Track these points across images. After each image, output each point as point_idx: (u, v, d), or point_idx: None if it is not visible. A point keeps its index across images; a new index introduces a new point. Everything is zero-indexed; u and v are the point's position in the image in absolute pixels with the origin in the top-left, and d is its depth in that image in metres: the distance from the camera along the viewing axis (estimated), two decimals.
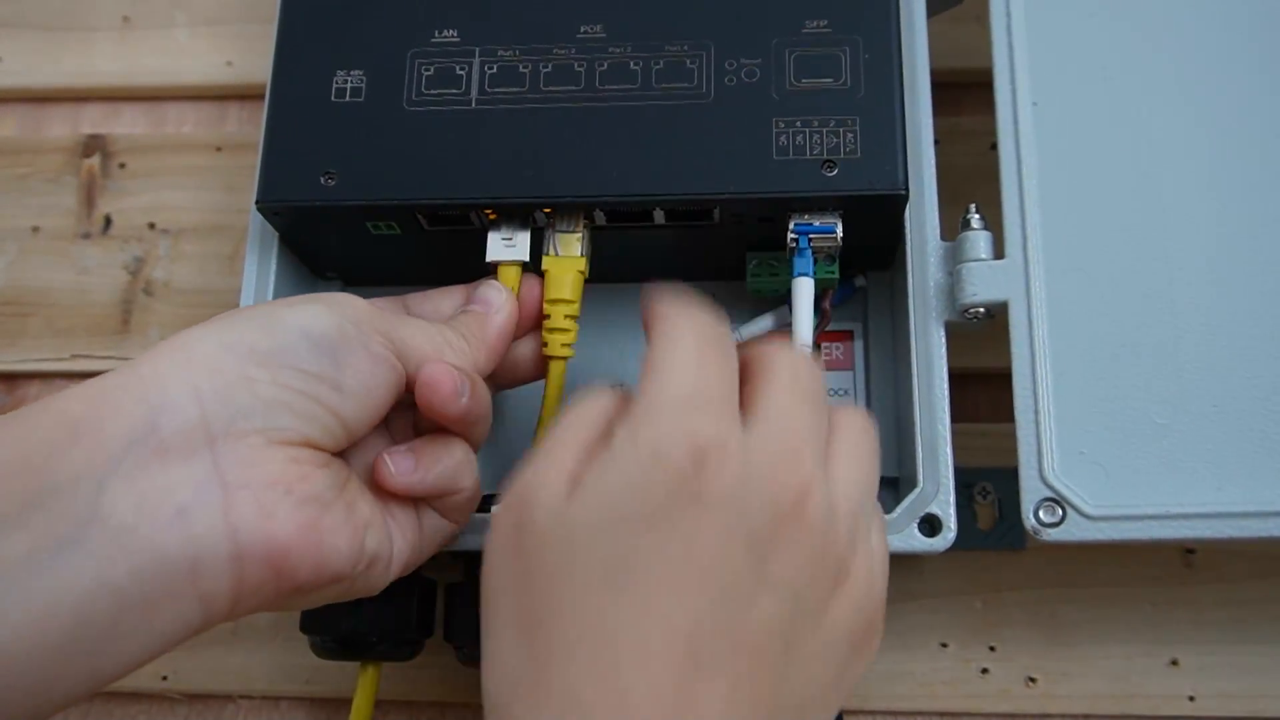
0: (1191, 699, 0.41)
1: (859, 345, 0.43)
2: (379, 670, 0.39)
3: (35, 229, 0.49)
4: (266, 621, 0.44)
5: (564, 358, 0.38)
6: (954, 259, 0.38)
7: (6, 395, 0.49)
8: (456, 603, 0.38)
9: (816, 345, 0.41)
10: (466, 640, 0.38)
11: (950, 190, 0.40)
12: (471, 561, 0.39)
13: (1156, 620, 0.42)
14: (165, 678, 0.44)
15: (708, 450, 0.25)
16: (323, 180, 0.37)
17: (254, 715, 0.44)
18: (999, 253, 0.37)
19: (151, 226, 0.49)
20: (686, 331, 0.28)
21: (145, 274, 0.48)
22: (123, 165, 0.50)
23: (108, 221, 0.49)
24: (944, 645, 0.42)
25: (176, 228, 0.49)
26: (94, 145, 0.50)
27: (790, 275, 0.38)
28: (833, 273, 0.39)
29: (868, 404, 0.42)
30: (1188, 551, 0.42)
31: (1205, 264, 0.37)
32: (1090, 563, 0.42)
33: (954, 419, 0.39)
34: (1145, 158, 0.38)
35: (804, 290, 0.37)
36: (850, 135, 0.36)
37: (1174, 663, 0.41)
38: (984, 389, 0.44)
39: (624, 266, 0.42)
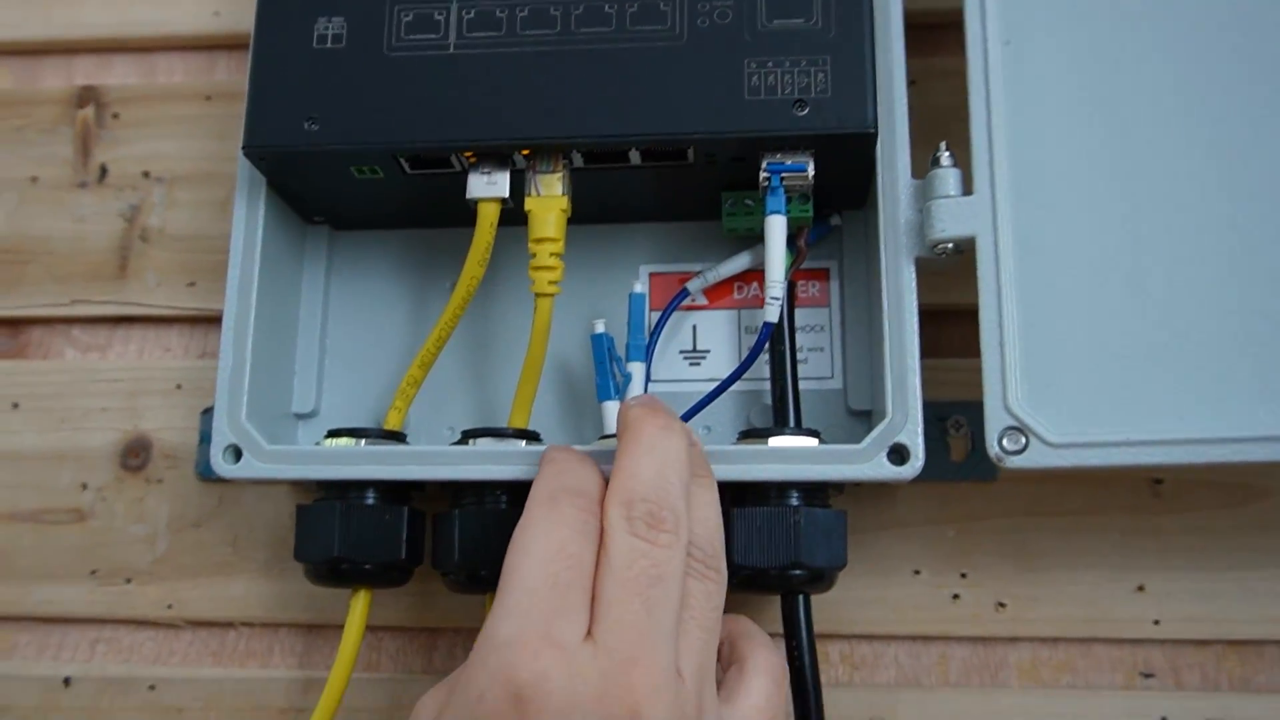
0: (1156, 622, 0.42)
1: (834, 283, 0.44)
2: (370, 596, 0.40)
3: (34, 179, 0.50)
4: (264, 553, 0.46)
5: (550, 295, 0.39)
6: (924, 196, 0.38)
7: (11, 340, 0.50)
8: (443, 532, 0.40)
9: (792, 283, 0.42)
10: (453, 568, 0.39)
11: (929, 130, 0.41)
12: (459, 491, 0.40)
13: (1124, 547, 0.43)
14: (170, 606, 0.46)
15: (525, 690, 0.27)
16: (306, 125, 0.38)
17: (254, 641, 0.46)
18: (968, 189, 0.38)
19: (146, 175, 0.50)
20: (535, 541, 0.30)
21: (141, 221, 0.49)
22: (116, 115, 0.51)
23: (103, 171, 0.50)
24: (916, 572, 0.43)
25: (170, 175, 0.50)
26: (87, 96, 0.51)
27: (765, 214, 0.39)
28: (807, 211, 0.40)
29: (842, 340, 0.43)
30: (1156, 482, 0.43)
31: (1171, 196, 0.37)
32: (1060, 493, 0.43)
33: (930, 354, 0.41)
34: (1115, 95, 0.38)
35: (777, 228, 0.38)
36: (821, 75, 0.37)
37: (1140, 588, 0.42)
38: (959, 325, 0.44)
39: (605, 207, 0.43)
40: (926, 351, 0.41)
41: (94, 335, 0.50)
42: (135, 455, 0.48)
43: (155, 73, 0.52)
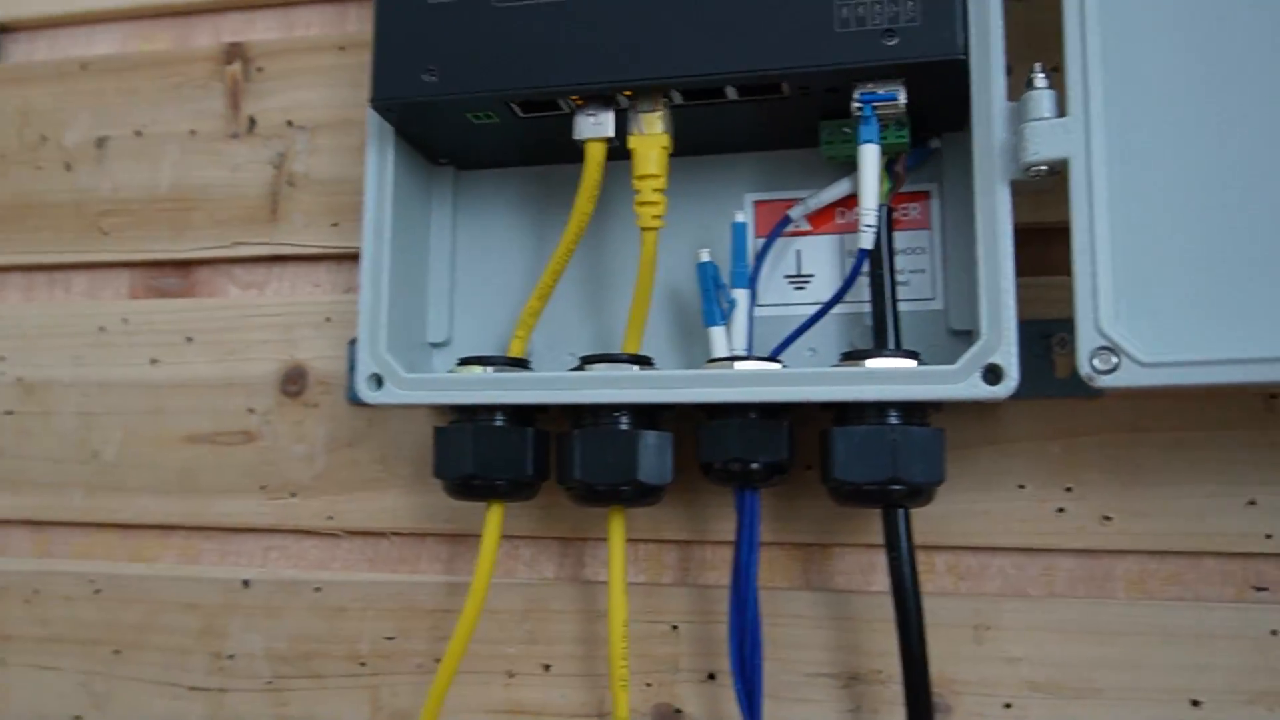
0: (1269, 536, 0.42)
1: (936, 205, 0.45)
2: (503, 509, 0.44)
3: (192, 132, 0.55)
4: (410, 469, 0.50)
5: (654, 228, 0.42)
6: (1018, 119, 0.39)
7: (182, 280, 0.56)
8: (564, 450, 0.43)
9: (890, 207, 0.43)
10: (574, 483, 0.43)
11: (1027, 50, 0.41)
12: (578, 413, 0.43)
13: (1234, 463, 0.43)
14: (330, 517, 0.51)
15: None
16: (425, 78, 0.41)
17: (404, 549, 0.51)
18: (1062, 111, 0.38)
19: (290, 124, 0.54)
20: None
21: (287, 168, 0.54)
22: (260, 69, 0.55)
23: (252, 122, 0.55)
24: (1021, 487, 0.44)
25: (311, 124, 0.54)
26: (234, 53, 0.55)
27: (858, 143, 0.40)
28: (903, 137, 0.41)
29: (943, 262, 0.44)
30: (1270, 397, 0.43)
31: (1266, 113, 0.37)
32: (1167, 409, 0.44)
33: (1037, 272, 0.42)
34: (1210, 11, 0.38)
35: (870, 157, 0.40)
36: (910, 3, 0.38)
37: (1252, 503, 0.43)
38: (1066, 243, 0.45)
39: (708, 139, 0.45)
40: (1034, 269, 0.42)
41: (252, 274, 0.55)
42: (294, 382, 0.53)
43: (294, 27, 0.56)
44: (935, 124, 0.43)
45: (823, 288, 0.45)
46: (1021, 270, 0.40)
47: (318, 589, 0.51)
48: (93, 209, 0.56)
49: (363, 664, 0.50)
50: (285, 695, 0.51)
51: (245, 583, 0.52)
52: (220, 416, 0.53)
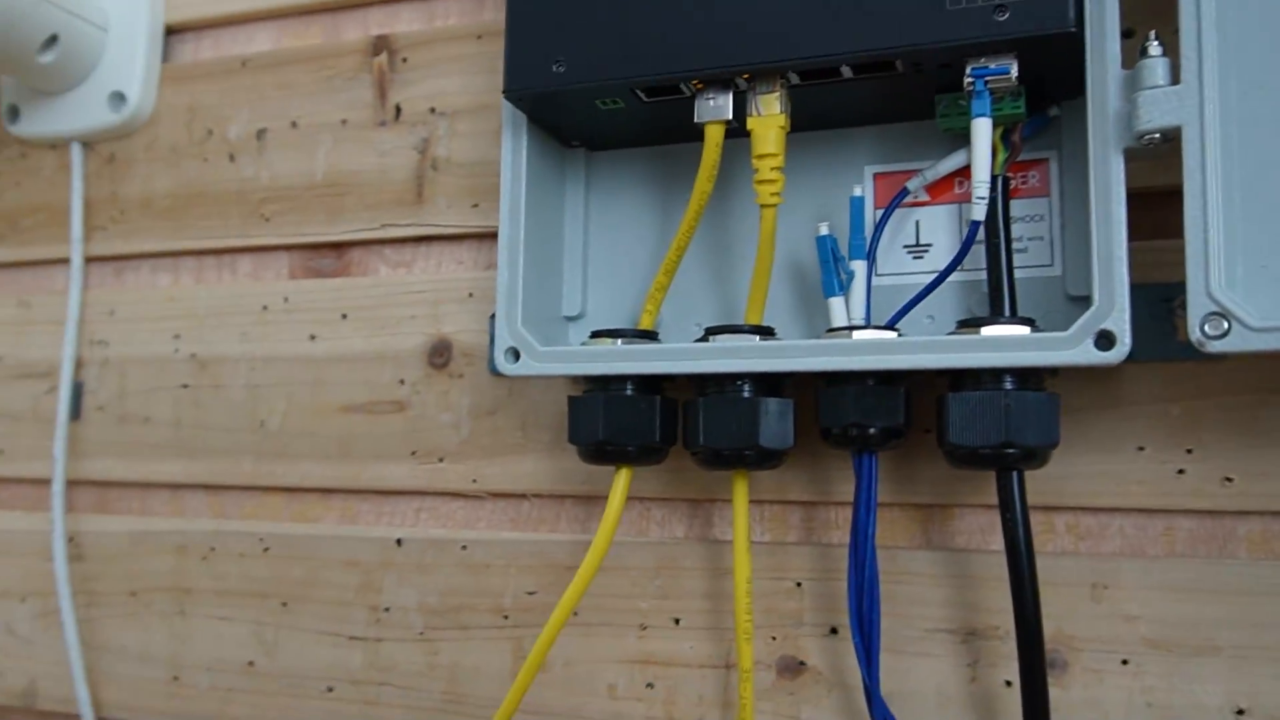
0: None
1: (1054, 171, 0.46)
2: (631, 473, 0.47)
3: (343, 122, 0.60)
4: (548, 435, 0.54)
5: (773, 205, 0.44)
6: (1132, 87, 0.40)
7: (337, 260, 0.60)
8: (690, 417, 0.46)
9: (1007, 177, 0.44)
10: (699, 448, 0.45)
11: (1149, 19, 0.42)
12: (703, 382, 0.46)
13: None
14: (475, 480, 0.55)
15: None
16: (554, 68, 0.44)
17: (543, 510, 0.55)
18: (1176, 79, 0.39)
19: (432, 110, 0.58)
20: None
21: (431, 153, 0.58)
22: (405, 60, 0.59)
23: (398, 110, 0.59)
24: (1140, 449, 0.45)
25: (451, 110, 0.57)
26: (380, 45, 0.59)
27: (970, 117, 0.41)
28: (1019, 108, 0.43)
29: (1061, 228, 0.45)
30: None
31: None
32: None
33: (1158, 235, 0.42)
34: None
35: (982, 131, 0.41)
36: None
37: None
38: None
39: (825, 115, 0.47)
40: (1155, 233, 0.43)
41: (400, 254, 0.59)
42: (440, 355, 0.57)
43: (434, 18, 0.59)
44: (1053, 92, 0.44)
45: (941, 256, 0.47)
46: (1143, 234, 0.40)
47: (464, 547, 0.55)
48: (255, 196, 0.61)
49: (505, 617, 0.54)
50: (436, 645, 0.55)
51: (398, 541, 0.57)
52: (373, 387, 0.58)
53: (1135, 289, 0.40)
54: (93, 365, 0.64)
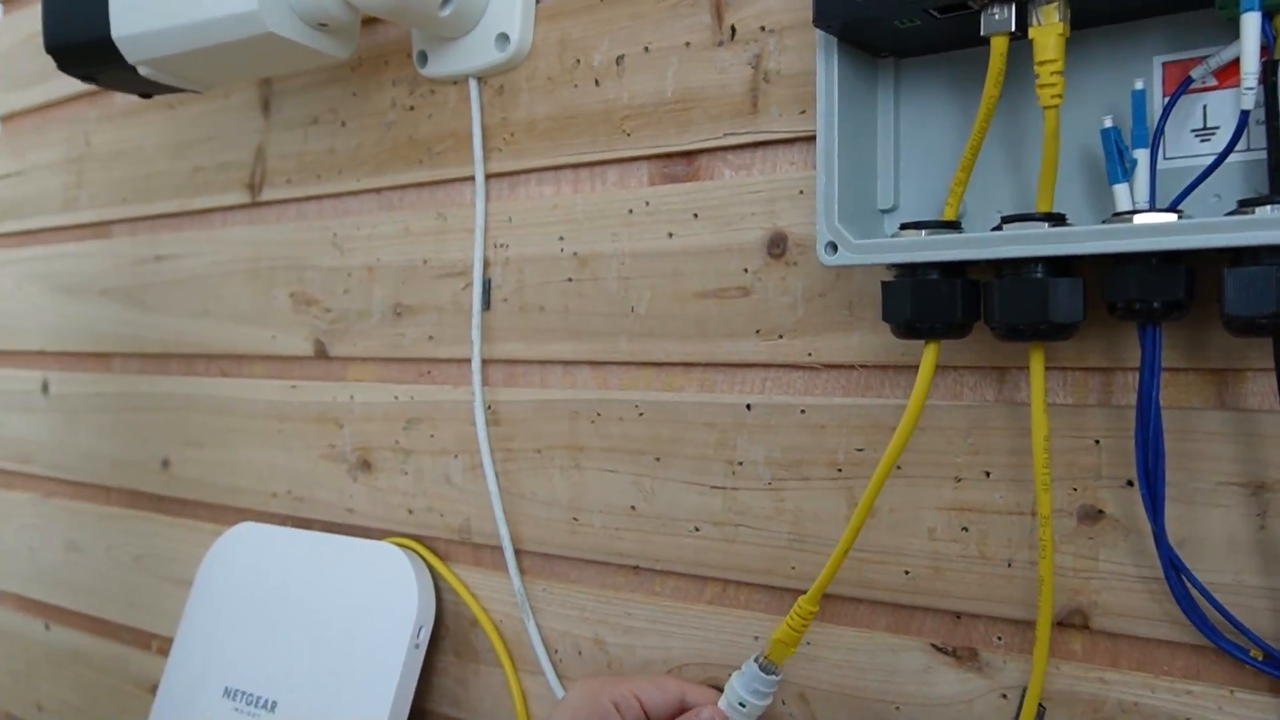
0: None
1: None
2: (938, 346, 0.56)
3: (687, 44, 0.70)
4: (872, 314, 0.63)
5: (1055, 106, 0.50)
6: None
7: (688, 166, 0.72)
8: (988, 296, 0.54)
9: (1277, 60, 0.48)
10: (996, 324, 0.53)
11: None
12: (1000, 265, 0.53)
13: None
14: (810, 354, 0.66)
15: None
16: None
17: (869, 378, 0.64)
18: None
19: (762, 29, 0.67)
20: None
21: (763, 67, 0.67)
22: None
23: (733, 31, 0.68)
24: None
25: (778, 27, 0.67)
26: None
27: (1239, 12, 0.46)
28: None
29: None
30: None
31: None
32: None
33: None
34: None
35: (1250, 26, 0.45)
36: None
37: None
38: None
39: (1112, 8, 0.52)
40: None
41: (740, 158, 0.69)
42: (777, 246, 0.67)
43: None
44: None
45: (1227, 139, 0.51)
46: None
47: (803, 411, 0.66)
48: (617, 115, 0.74)
49: (839, 470, 0.65)
50: (781, 493, 0.67)
51: (748, 406, 0.68)
52: (722, 276, 0.69)
53: None
54: (497, 265, 0.80)
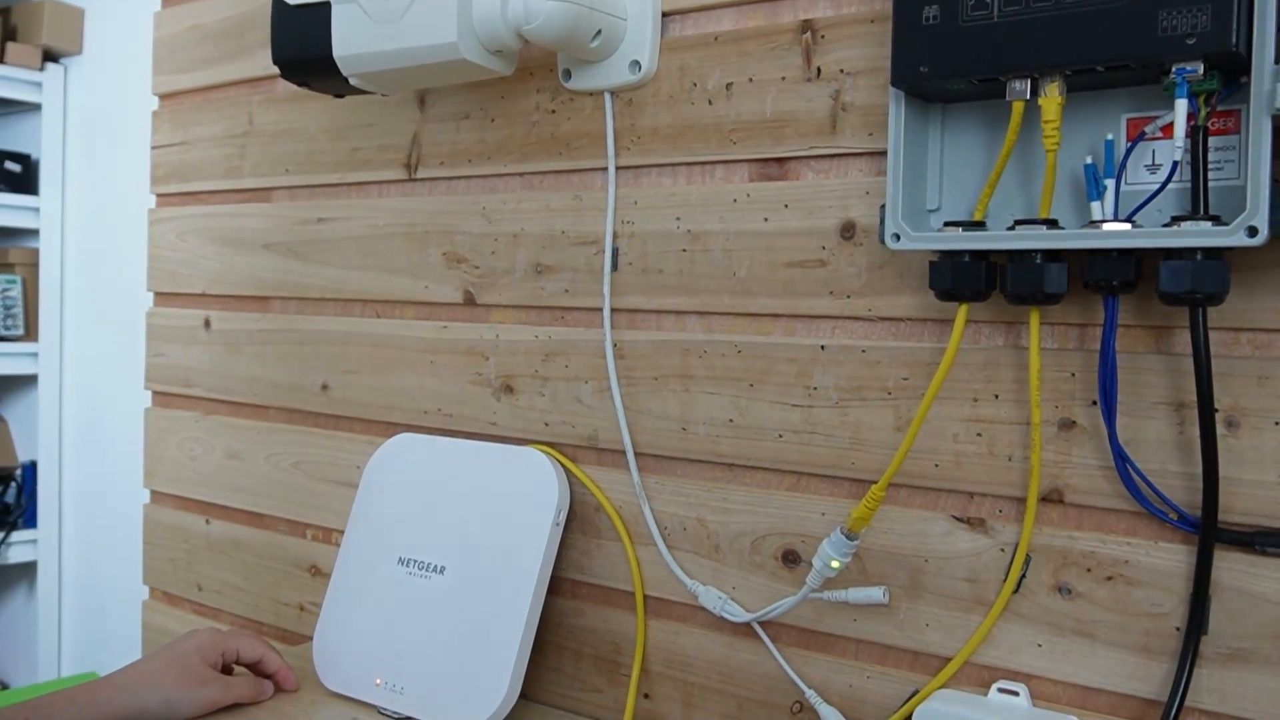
0: None
1: (1244, 116, 0.75)
2: (968, 308, 0.83)
3: (783, 78, 0.96)
4: (917, 281, 0.90)
5: (1053, 150, 0.77)
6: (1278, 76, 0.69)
7: (779, 169, 0.98)
8: (1003, 274, 0.80)
9: (1206, 129, 0.74)
10: (1009, 293, 0.80)
11: None
12: (1011, 253, 0.80)
13: None
14: (870, 309, 0.92)
15: None
16: (921, 69, 0.79)
17: (913, 328, 0.91)
18: None
19: (841, 71, 0.93)
20: None
21: (841, 99, 0.93)
22: (822, 36, 0.94)
23: (818, 71, 0.94)
24: None
25: (854, 70, 0.92)
26: (806, 25, 0.95)
27: (1174, 98, 0.72)
28: (1214, 83, 0.72)
29: (1245, 156, 0.75)
30: None
31: None
32: None
33: None
34: None
35: (1180, 108, 0.72)
36: (1204, 16, 0.69)
37: None
38: None
39: (1094, 83, 0.78)
40: None
41: (821, 165, 0.95)
42: (847, 231, 0.93)
43: (842, 6, 0.94)
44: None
45: (1166, 174, 0.77)
46: None
47: (864, 350, 0.93)
48: (725, 128, 0.99)
49: (889, 393, 0.92)
50: (846, 410, 0.94)
51: (822, 347, 0.95)
52: (805, 251, 0.95)
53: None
54: (624, 237, 1.06)
